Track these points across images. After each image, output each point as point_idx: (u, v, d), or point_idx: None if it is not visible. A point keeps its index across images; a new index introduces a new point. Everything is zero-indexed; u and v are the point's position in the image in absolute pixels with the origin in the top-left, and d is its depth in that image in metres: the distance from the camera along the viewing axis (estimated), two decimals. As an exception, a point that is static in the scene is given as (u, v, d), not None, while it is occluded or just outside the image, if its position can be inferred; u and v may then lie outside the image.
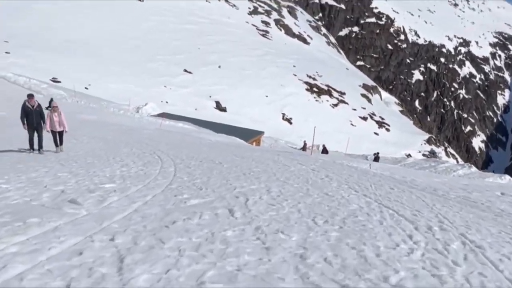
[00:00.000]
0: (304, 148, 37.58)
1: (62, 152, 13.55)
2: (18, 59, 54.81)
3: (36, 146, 13.36)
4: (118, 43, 79.81)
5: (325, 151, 35.32)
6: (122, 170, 10.23)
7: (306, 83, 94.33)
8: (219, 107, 70.01)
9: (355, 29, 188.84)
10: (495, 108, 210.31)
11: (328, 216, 7.01)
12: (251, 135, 44.02)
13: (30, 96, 13.23)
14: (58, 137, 13.80)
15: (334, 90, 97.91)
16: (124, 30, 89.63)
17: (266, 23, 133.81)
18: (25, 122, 13.14)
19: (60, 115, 13.75)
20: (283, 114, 77.00)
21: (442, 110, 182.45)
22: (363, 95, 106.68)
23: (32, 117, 13.15)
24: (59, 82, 54.42)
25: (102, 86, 58.72)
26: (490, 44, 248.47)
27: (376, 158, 33.12)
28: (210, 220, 6.11)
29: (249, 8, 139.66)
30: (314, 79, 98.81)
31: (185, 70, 79.57)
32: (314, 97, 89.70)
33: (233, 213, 6.63)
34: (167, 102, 63.22)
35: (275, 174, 11.69)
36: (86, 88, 56.20)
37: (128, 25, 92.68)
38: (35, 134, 13.33)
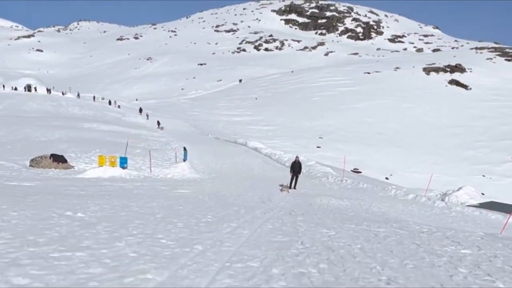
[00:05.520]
0: None
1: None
2: (326, 152, 58.36)
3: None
4: (433, 132, 75.11)
5: None
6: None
7: None
8: (562, 201, 53.11)
9: None
10: None
11: None
12: None
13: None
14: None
15: None
16: (444, 119, 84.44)
17: None
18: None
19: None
20: None
21: None
22: None
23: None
24: (360, 172, 54.20)
25: (405, 175, 54.99)
26: None
27: None
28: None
29: None
30: None
31: (514, 157, 66.05)
32: None
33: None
34: (483, 193, 52.77)
35: None
36: (386, 178, 53.77)
37: (448, 114, 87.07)
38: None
